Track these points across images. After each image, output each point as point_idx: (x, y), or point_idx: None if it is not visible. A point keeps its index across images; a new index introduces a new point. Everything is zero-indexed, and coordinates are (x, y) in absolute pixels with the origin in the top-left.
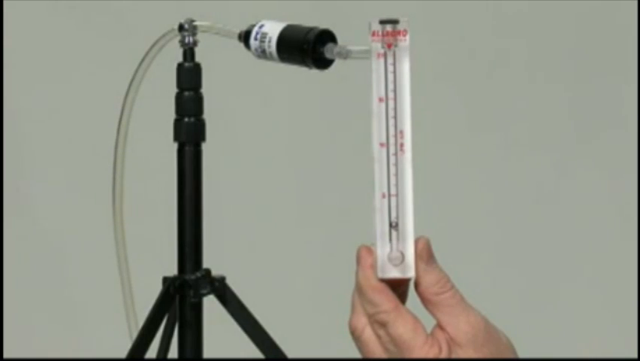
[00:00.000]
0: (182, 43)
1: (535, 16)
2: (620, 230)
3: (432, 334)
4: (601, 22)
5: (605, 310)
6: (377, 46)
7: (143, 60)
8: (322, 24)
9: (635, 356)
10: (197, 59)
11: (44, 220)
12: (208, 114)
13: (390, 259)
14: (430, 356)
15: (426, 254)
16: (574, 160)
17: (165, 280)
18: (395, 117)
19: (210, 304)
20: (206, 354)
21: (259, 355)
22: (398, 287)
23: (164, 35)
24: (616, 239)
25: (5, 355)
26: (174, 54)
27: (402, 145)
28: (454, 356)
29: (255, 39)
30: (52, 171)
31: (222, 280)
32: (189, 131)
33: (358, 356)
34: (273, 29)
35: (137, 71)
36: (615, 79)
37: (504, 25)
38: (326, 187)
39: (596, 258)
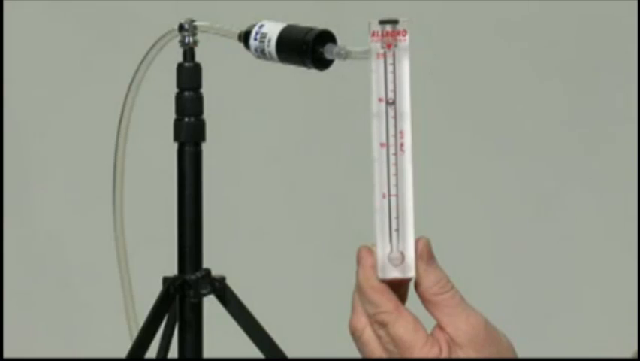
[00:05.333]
0: (182, 43)
1: (536, 17)
2: (620, 230)
3: (432, 334)
4: (601, 23)
5: (605, 310)
6: (377, 46)
7: (143, 60)
8: (322, 24)
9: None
10: (197, 59)
11: (44, 220)
12: (208, 114)
13: (390, 260)
14: (431, 356)
15: (426, 254)
16: (574, 160)
17: (165, 280)
18: (395, 117)
19: (210, 304)
20: (206, 354)
21: (259, 355)
22: (398, 288)
23: (164, 35)
24: (616, 238)
25: (5, 355)
26: (174, 54)
27: (402, 145)
28: (454, 356)
29: (255, 39)
30: (53, 172)
31: (222, 280)
32: (189, 131)
33: (358, 356)
34: (272, 29)
35: (137, 71)
36: (615, 81)
37: (505, 25)
38: (326, 187)
39: (596, 257)
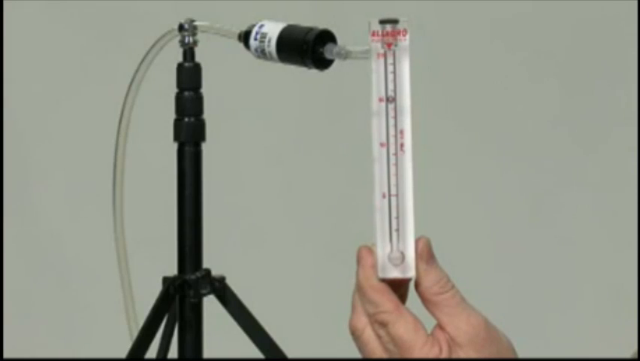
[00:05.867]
0: (182, 43)
1: (537, 17)
2: (620, 230)
3: (432, 334)
4: (601, 23)
5: (605, 310)
6: (377, 46)
7: (143, 60)
8: (322, 24)
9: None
10: (197, 59)
11: (45, 220)
12: (208, 114)
13: (390, 259)
14: (431, 356)
15: (426, 254)
16: (573, 160)
17: (165, 280)
18: (395, 117)
19: (210, 304)
20: (206, 354)
21: (259, 355)
22: (399, 287)
23: (164, 35)
24: (616, 238)
25: (5, 355)
26: (174, 54)
27: (402, 145)
28: (454, 356)
29: (255, 39)
30: (53, 172)
31: (222, 280)
32: (189, 131)
33: (358, 356)
34: (272, 29)
35: (137, 71)
36: (615, 81)
37: (504, 25)
38: (326, 187)
39: (596, 257)
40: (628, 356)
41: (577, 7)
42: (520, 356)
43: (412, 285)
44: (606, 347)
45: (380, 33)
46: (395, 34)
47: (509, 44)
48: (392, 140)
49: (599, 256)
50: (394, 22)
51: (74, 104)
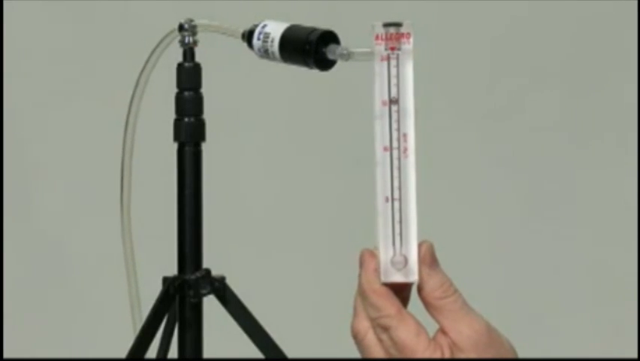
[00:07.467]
0: (182, 43)
1: (535, 17)
2: (620, 231)
3: (434, 338)
4: (601, 23)
5: (605, 310)
6: (380, 49)
7: (146, 63)
8: (325, 25)
9: (635, 356)
10: (197, 59)
11: (48, 220)
12: (208, 114)
13: (393, 263)
14: None
15: (429, 258)
16: (575, 163)
17: (165, 280)
18: (398, 121)
19: (210, 304)
20: (206, 354)
21: (259, 355)
22: (401, 291)
23: (165, 37)
24: (616, 238)
25: (5, 355)
26: (174, 54)
27: (405, 149)
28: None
29: (258, 39)
30: (56, 173)
31: (222, 280)
32: (189, 131)
33: (359, 356)
34: (275, 29)
35: (140, 74)
36: (615, 82)
37: (505, 27)
38: (328, 189)
39: (596, 258)
40: (628, 355)
41: (577, 8)
42: (521, 357)
43: (414, 289)
44: (606, 347)
45: (384, 36)
46: (399, 37)
47: (511, 47)
48: (395, 144)
49: (599, 258)
50: (398, 25)
51: (74, 105)
